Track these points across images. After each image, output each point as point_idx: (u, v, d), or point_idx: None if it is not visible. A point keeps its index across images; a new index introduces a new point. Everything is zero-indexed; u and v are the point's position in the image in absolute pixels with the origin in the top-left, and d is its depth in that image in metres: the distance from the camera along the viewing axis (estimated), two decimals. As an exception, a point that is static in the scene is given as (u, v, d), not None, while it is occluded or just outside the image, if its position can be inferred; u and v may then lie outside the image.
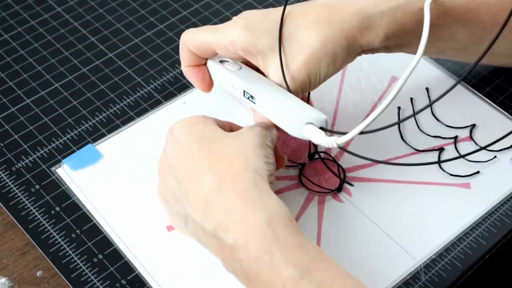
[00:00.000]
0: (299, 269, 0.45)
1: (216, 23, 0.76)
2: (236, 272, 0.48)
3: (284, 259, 0.45)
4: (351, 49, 0.57)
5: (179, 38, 0.74)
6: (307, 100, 0.61)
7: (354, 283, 0.46)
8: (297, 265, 0.45)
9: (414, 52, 0.56)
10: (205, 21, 0.76)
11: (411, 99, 0.67)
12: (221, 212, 0.48)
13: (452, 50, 0.63)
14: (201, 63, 0.60)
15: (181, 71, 0.71)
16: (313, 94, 0.68)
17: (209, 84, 0.61)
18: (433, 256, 0.57)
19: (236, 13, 0.76)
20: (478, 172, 0.62)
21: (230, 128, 0.57)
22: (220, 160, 0.50)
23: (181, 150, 0.52)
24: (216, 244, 0.48)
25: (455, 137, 0.65)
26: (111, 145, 0.64)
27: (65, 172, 0.62)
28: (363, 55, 0.69)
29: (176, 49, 0.73)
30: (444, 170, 0.62)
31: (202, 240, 0.51)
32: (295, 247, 0.46)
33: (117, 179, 0.62)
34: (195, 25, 0.75)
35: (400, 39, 0.58)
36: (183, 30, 0.75)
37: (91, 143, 0.64)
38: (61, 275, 0.56)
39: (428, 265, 0.57)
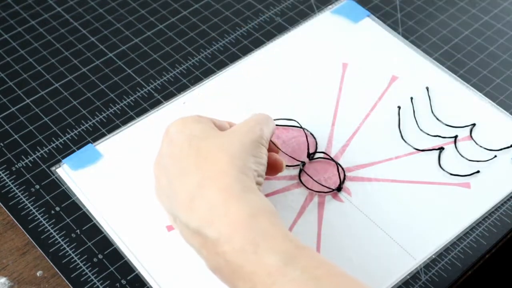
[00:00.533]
0: (284, 256, 0.45)
1: (216, 23, 0.76)
2: (219, 267, 0.48)
3: (268, 248, 0.45)
4: None
5: (179, 38, 0.74)
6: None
7: (338, 272, 0.46)
8: (281, 253, 0.45)
9: None
10: (205, 21, 0.76)
11: (411, 98, 0.67)
12: (205, 208, 0.48)
13: None
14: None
15: (181, 71, 0.71)
16: (313, 93, 0.68)
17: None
18: (433, 256, 0.57)
19: (236, 13, 0.76)
20: (478, 171, 0.62)
21: (230, 127, 0.57)
22: (206, 158, 0.50)
23: (173, 149, 0.52)
24: (200, 240, 0.49)
25: (455, 137, 0.65)
26: (111, 145, 0.64)
27: (65, 172, 0.62)
28: (363, 53, 0.69)
29: (176, 49, 0.73)
30: (444, 169, 0.62)
31: (187, 239, 0.51)
32: (279, 236, 0.46)
33: (117, 179, 0.62)
34: (195, 25, 0.75)
35: None
36: (183, 30, 0.75)
37: (91, 143, 0.64)
38: (61, 275, 0.56)
39: (428, 265, 0.57)
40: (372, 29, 0.74)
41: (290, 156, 0.63)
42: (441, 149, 0.64)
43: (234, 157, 0.50)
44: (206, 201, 0.48)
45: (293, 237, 0.47)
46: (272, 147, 0.59)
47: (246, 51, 0.73)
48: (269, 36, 0.74)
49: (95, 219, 0.59)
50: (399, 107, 0.67)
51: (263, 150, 0.54)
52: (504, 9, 0.78)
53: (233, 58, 0.72)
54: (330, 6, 0.77)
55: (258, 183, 0.52)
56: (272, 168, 0.57)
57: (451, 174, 0.62)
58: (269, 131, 0.56)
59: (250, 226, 0.46)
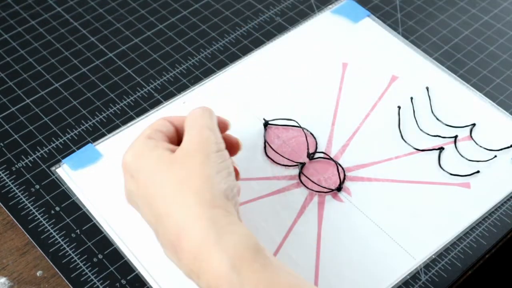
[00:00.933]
0: None
1: (216, 23, 0.76)
2: None
3: None
4: None
5: (179, 38, 0.74)
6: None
7: None
8: None
9: None
10: (205, 21, 0.76)
11: (411, 98, 0.67)
12: (189, 261, 0.47)
13: None
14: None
15: (181, 71, 0.71)
16: (313, 93, 0.68)
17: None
18: (433, 256, 0.57)
19: (236, 13, 0.76)
20: (478, 171, 0.62)
21: (223, 127, 0.55)
22: (173, 201, 0.48)
23: (137, 188, 0.50)
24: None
25: (455, 137, 0.65)
26: (111, 145, 0.64)
27: (65, 172, 0.62)
28: (363, 53, 0.69)
29: (176, 49, 0.73)
30: (444, 169, 0.62)
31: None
32: (262, 285, 0.45)
33: (117, 179, 0.61)
34: (195, 25, 0.75)
35: None
36: (183, 30, 0.75)
37: (91, 143, 0.64)
38: (61, 275, 0.56)
39: (428, 265, 0.57)
40: (372, 29, 0.74)
41: (288, 158, 0.63)
42: (441, 149, 0.64)
43: (197, 192, 0.48)
44: (188, 253, 0.47)
45: (280, 277, 0.46)
46: (222, 126, 0.56)
47: (246, 51, 0.73)
48: (269, 36, 0.74)
49: (95, 219, 0.59)
50: (399, 107, 0.67)
51: (223, 155, 0.51)
52: (504, 9, 0.78)
53: (233, 58, 0.72)
54: (330, 6, 0.77)
55: (235, 196, 0.50)
56: (230, 150, 0.55)
57: (451, 174, 0.62)
58: (212, 120, 0.53)
59: (233, 280, 0.45)
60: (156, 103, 0.68)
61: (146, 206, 0.50)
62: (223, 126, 0.56)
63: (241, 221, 0.49)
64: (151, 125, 0.54)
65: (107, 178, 0.62)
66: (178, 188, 0.48)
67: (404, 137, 0.65)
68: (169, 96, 0.68)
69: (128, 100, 0.68)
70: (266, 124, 0.65)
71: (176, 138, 0.54)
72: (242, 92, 0.68)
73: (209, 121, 0.53)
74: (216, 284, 0.46)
